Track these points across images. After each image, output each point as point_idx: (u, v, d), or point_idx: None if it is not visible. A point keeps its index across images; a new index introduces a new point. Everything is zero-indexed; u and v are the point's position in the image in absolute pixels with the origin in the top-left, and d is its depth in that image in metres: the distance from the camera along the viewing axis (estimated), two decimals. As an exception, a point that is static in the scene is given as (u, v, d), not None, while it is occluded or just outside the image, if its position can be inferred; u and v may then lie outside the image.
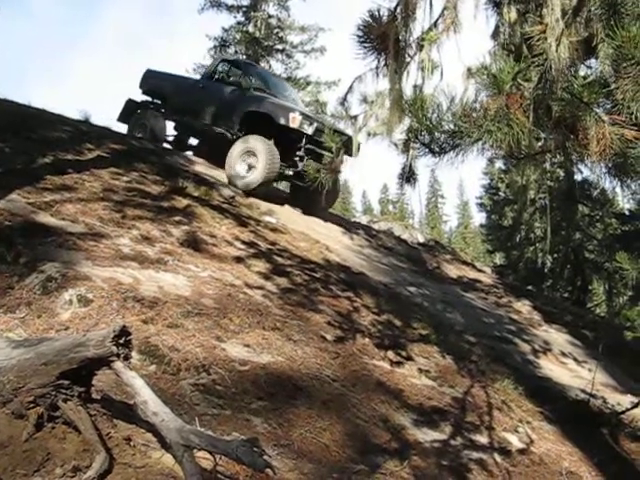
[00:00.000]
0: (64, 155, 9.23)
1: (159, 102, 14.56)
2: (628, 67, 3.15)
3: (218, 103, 13.10)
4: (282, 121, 11.79)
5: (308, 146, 11.93)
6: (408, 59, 4.21)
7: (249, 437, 3.12)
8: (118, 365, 3.11)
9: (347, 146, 12.42)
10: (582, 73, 4.30)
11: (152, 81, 14.61)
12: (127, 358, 3.13)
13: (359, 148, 12.20)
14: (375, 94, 4.40)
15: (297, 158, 12.11)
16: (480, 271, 16.68)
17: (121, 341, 3.10)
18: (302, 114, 11.95)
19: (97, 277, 5.69)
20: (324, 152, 12.73)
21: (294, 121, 11.68)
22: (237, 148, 11.98)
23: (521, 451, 6.08)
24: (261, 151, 11.63)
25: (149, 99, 14.75)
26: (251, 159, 11.79)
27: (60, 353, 3.14)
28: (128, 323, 4.91)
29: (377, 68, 3.96)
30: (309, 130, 11.77)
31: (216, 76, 13.85)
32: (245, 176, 11.77)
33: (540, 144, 5.13)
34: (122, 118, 14.56)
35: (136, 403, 3.20)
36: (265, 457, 2.85)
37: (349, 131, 5.46)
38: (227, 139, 12.55)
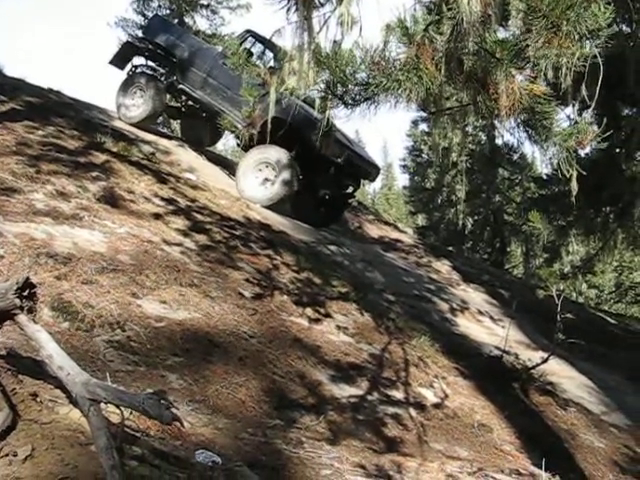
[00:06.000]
0: (-27, 107, 8.89)
1: (162, 55, 12.66)
2: (535, 20, 3.19)
3: (238, 91, 10.38)
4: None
5: (332, 173, 11.09)
6: (329, 14, 4.17)
7: (157, 390, 3.08)
8: (22, 318, 3.01)
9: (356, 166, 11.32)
10: (500, 35, 4.33)
11: (160, 33, 12.67)
12: (31, 311, 3.03)
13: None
14: (293, 48, 4.33)
15: (318, 184, 11.38)
16: (402, 232, 16.96)
17: (25, 293, 3.01)
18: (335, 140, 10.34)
19: (8, 233, 5.51)
20: (349, 182, 12.00)
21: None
22: (253, 157, 10.87)
23: (436, 405, 6.24)
24: (281, 166, 10.56)
25: (150, 47, 12.77)
26: (268, 172, 10.70)
27: (-40, 307, 3.02)
28: (40, 279, 4.82)
29: (287, 15, 3.89)
30: (339, 159, 10.63)
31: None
32: (258, 190, 10.67)
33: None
34: (115, 61, 12.86)
35: (42, 358, 3.12)
36: (173, 410, 2.81)
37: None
38: (237, 131, 10.80)
